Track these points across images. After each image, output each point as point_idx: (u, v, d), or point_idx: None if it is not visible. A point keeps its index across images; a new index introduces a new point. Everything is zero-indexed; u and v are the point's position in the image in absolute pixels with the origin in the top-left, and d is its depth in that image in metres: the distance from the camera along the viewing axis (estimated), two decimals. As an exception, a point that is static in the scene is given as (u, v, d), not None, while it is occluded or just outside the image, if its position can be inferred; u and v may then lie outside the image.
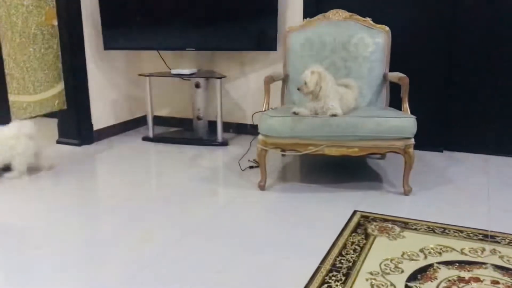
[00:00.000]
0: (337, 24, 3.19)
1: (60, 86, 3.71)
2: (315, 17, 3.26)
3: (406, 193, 2.74)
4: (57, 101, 3.71)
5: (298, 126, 2.65)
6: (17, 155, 3.01)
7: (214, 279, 1.91)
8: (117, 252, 2.16)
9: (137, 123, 4.38)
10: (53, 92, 3.67)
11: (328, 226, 2.36)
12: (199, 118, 4.00)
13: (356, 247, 2.15)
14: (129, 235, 2.31)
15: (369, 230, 2.31)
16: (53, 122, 3.96)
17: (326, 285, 1.84)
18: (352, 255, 2.07)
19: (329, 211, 2.56)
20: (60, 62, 3.67)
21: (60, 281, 1.91)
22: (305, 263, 2.01)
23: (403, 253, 2.08)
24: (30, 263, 2.06)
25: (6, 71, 3.23)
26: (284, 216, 2.52)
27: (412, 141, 2.66)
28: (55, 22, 3.60)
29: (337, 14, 3.22)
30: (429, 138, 3.47)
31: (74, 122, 3.78)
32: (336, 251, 2.11)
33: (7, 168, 3.10)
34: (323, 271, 1.95)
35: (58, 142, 3.85)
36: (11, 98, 3.28)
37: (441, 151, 3.59)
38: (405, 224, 2.37)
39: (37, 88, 3.53)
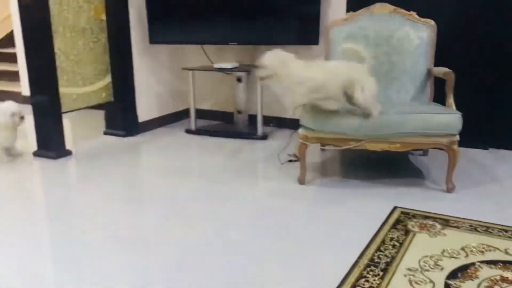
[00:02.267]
0: (381, 18, 3.15)
1: (107, 79, 3.84)
2: (359, 11, 3.22)
3: (449, 190, 2.69)
4: (104, 93, 3.84)
5: (339, 121, 2.63)
6: None
7: (254, 269, 1.95)
8: (160, 239, 2.23)
9: (180, 116, 4.47)
10: (101, 85, 3.80)
11: (367, 221, 2.35)
12: (239, 112, 4.05)
13: (395, 243, 2.13)
14: (172, 223, 2.38)
15: (409, 227, 2.28)
16: (101, 114, 4.11)
17: (363, 279, 1.84)
18: (391, 251, 2.06)
19: (368, 206, 2.54)
20: (108, 55, 3.80)
21: (105, 264, 2.00)
22: (342, 256, 2.02)
23: (444, 251, 2.05)
24: (78, 247, 2.16)
25: (57, 64, 3.37)
26: (323, 210, 2.52)
27: (457, 137, 2.60)
28: (104, 17, 3.73)
29: (381, 8, 3.17)
30: (474, 135, 3.37)
31: (120, 114, 3.91)
32: (374, 246, 2.11)
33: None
34: (361, 265, 1.95)
35: (105, 133, 3.99)
36: (61, 90, 3.42)
37: (487, 149, 3.48)
38: (447, 222, 2.33)
39: (86, 81, 3.66)
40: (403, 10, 3.13)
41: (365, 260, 1.98)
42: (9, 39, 6.05)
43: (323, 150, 3.43)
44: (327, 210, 2.52)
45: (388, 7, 3.16)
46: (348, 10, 3.43)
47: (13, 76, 5.73)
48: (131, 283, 1.87)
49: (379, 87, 2.59)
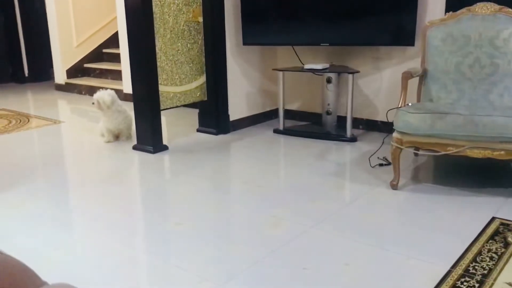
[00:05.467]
0: (484, 18, 2.99)
1: (202, 79, 4.01)
2: (459, 11, 3.08)
3: (557, 203, 2.49)
4: (199, 92, 4.01)
5: (438, 123, 2.54)
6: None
7: (340, 271, 1.94)
8: (247, 235, 2.30)
9: (268, 115, 4.55)
10: (196, 84, 3.98)
11: (462, 230, 2.25)
12: (328, 113, 4.03)
13: (493, 255, 2.02)
14: (259, 220, 2.44)
15: (510, 239, 2.15)
16: (194, 112, 4.30)
17: (457, 289, 1.77)
18: (488, 263, 1.96)
19: (464, 215, 2.43)
20: (203, 56, 3.97)
21: (195, 255, 2.10)
22: (434, 265, 1.95)
23: (549, 267, 1.91)
24: (171, 236, 2.29)
25: (157, 63, 3.58)
26: (416, 217, 2.45)
27: None
28: (201, 19, 3.90)
29: (484, 7, 3.01)
30: None
31: (213, 113, 4.06)
32: (470, 256, 2.01)
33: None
34: (454, 275, 1.87)
35: (198, 130, 4.17)
36: (161, 88, 3.63)
37: None
38: (553, 237, 2.16)
39: (183, 80, 3.86)
40: (510, 9, 2.94)
41: (459, 271, 1.90)
42: (113, 40, 6.53)
43: (416, 155, 3.32)
44: (419, 217, 2.44)
45: (492, 6, 2.99)
46: (447, 11, 3.29)
47: (116, 75, 6.17)
48: (217, 275, 1.94)
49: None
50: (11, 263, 0.80)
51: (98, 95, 3.79)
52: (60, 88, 6.64)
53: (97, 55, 6.82)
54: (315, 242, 2.19)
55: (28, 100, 6.15)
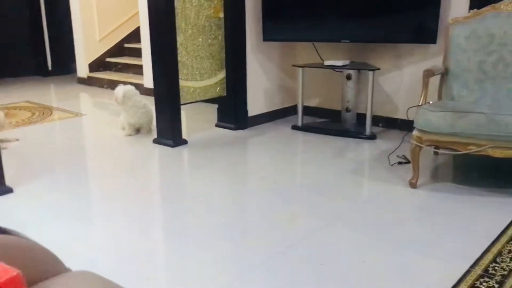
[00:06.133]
0: (510, 15, 2.93)
1: (222, 74, 4.02)
2: (484, 8, 3.03)
3: None
4: (218, 88, 4.03)
5: (460, 122, 2.51)
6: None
7: (357, 268, 1.94)
8: (264, 230, 2.31)
9: (287, 112, 4.54)
10: (216, 80, 4.00)
11: (481, 230, 2.23)
12: (347, 110, 4.01)
13: (514, 256, 2.00)
14: (276, 215, 2.45)
15: (531, 240, 2.12)
16: (213, 107, 4.32)
17: (476, 289, 1.76)
18: (509, 264, 1.93)
19: (484, 215, 2.40)
20: (224, 52, 3.98)
21: (212, 248, 2.12)
22: (453, 264, 1.94)
23: None
24: (188, 229, 2.32)
25: (178, 58, 3.61)
26: (434, 216, 2.43)
27: None
28: (222, 15, 3.91)
29: (510, 5, 2.95)
30: None
31: (231, 108, 4.08)
32: (490, 257, 1.99)
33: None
34: (474, 275, 1.85)
35: (216, 125, 4.20)
36: (181, 83, 3.66)
37: None
38: None
39: (203, 75, 3.88)
40: (536, 7, 2.89)
41: (478, 271, 1.89)
42: (134, 35, 6.59)
43: (436, 154, 3.28)
44: (438, 215, 2.42)
45: (518, 3, 2.94)
46: (471, 8, 3.24)
47: (137, 69, 6.23)
48: (234, 269, 1.96)
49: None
50: (38, 249, 0.83)
51: (116, 90, 3.86)
52: (82, 81, 6.74)
53: (119, 49, 6.89)
54: (332, 238, 2.19)
55: (51, 93, 6.26)
